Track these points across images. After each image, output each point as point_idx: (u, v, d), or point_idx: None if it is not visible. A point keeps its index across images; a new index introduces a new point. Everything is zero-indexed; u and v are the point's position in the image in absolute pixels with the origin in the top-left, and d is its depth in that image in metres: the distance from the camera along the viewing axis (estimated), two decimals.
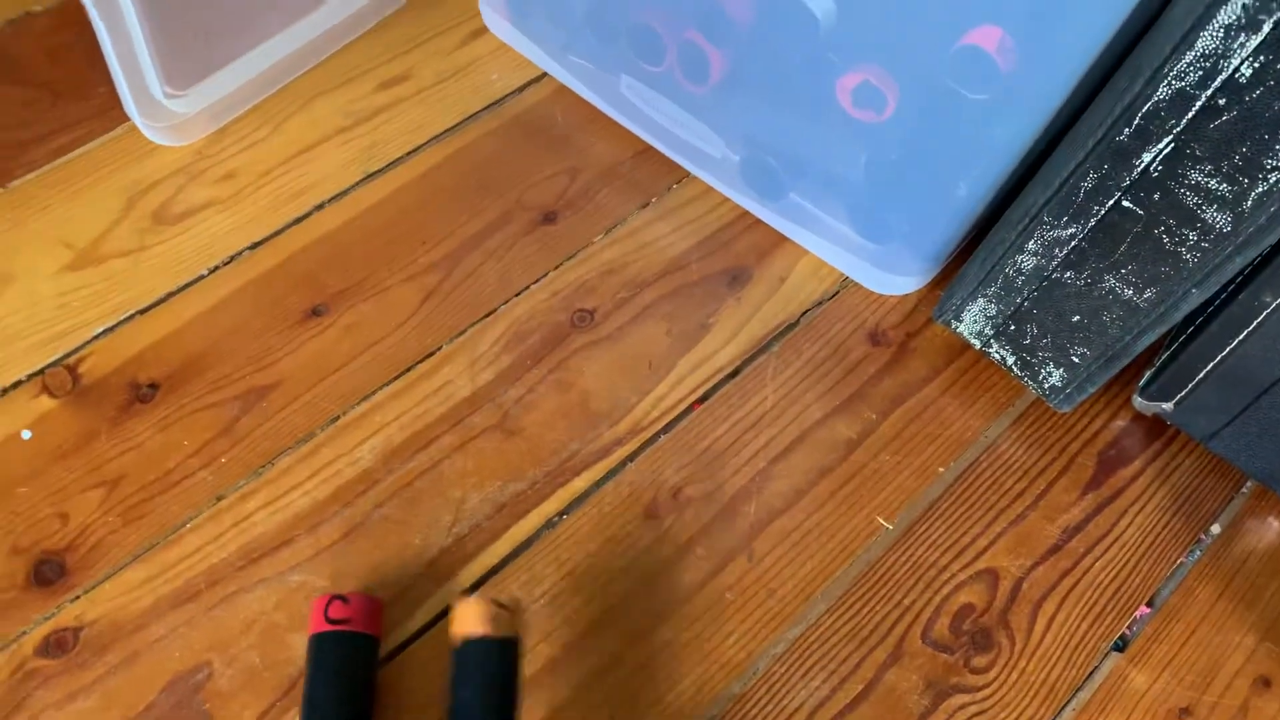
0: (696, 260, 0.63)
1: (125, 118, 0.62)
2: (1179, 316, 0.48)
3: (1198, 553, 0.58)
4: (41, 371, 0.55)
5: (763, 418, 0.58)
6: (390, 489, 0.54)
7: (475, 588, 0.52)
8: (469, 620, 0.43)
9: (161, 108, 0.61)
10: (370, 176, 0.64)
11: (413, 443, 0.55)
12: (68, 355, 0.56)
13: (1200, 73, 0.39)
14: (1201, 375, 0.54)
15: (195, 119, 0.63)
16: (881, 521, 0.56)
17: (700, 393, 0.59)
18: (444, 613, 0.51)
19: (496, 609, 0.43)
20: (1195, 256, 0.45)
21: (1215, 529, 0.58)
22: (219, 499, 0.53)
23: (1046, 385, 0.57)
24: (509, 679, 0.43)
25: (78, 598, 0.50)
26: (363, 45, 0.69)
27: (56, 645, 0.49)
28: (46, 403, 0.54)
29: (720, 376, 0.59)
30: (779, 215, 0.64)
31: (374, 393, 0.56)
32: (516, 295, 0.61)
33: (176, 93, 0.61)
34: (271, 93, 0.66)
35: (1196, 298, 0.46)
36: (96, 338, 0.56)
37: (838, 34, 0.52)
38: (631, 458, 0.56)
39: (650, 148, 0.67)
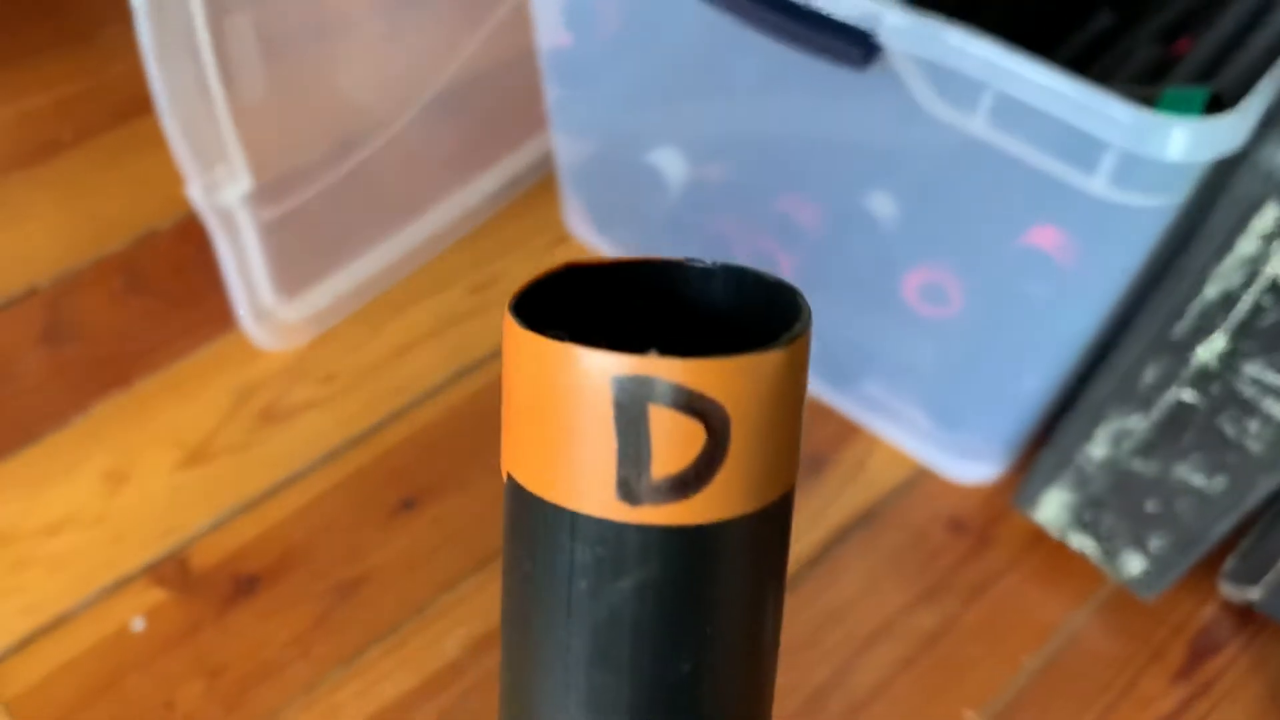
0: None
1: (237, 324, 0.67)
2: (1252, 503, 0.48)
3: None
4: (154, 565, 0.58)
5: (843, 607, 0.59)
6: (476, 679, 0.55)
7: None
8: None
9: (271, 316, 0.66)
10: (461, 374, 0.67)
11: (498, 634, 0.57)
12: (179, 549, 0.59)
13: (1243, 275, 0.40)
14: None
15: (301, 325, 0.68)
16: (969, 715, 0.55)
17: None
18: None
19: None
20: (1260, 446, 0.45)
21: None
22: (312, 689, 0.54)
23: (1127, 573, 0.57)
24: None
25: None
26: (456, 251, 0.74)
27: None
28: (158, 594, 0.57)
29: (800, 565, 0.60)
30: (854, 403, 0.66)
31: (459, 583, 0.58)
32: None
33: (285, 302, 0.66)
34: (371, 299, 0.71)
35: (1266, 485, 0.47)
36: (205, 532, 0.60)
37: (901, 236, 0.55)
38: None
39: None
